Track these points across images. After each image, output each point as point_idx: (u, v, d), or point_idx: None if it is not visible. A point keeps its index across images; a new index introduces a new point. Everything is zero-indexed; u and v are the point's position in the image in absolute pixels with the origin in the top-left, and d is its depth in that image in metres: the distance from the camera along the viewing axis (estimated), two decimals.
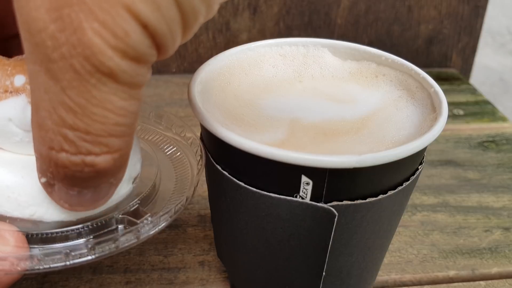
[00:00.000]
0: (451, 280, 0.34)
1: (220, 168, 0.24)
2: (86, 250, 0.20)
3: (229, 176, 0.23)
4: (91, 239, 0.22)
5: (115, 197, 0.23)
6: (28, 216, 0.21)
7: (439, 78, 0.60)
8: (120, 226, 0.23)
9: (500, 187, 0.43)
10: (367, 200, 0.22)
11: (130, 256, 0.34)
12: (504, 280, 0.34)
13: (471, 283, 0.33)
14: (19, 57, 0.22)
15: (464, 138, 0.50)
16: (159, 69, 0.62)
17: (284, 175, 0.22)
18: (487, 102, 0.57)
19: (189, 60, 0.62)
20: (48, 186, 0.20)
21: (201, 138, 0.26)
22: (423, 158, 0.25)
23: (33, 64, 0.17)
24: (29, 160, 0.21)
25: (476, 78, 0.71)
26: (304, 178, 0.21)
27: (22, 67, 0.21)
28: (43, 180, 0.20)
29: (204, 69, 0.27)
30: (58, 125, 0.17)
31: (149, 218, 0.22)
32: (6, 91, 0.21)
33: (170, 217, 0.22)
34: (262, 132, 0.24)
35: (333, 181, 0.21)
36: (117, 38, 0.15)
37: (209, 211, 0.29)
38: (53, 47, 0.16)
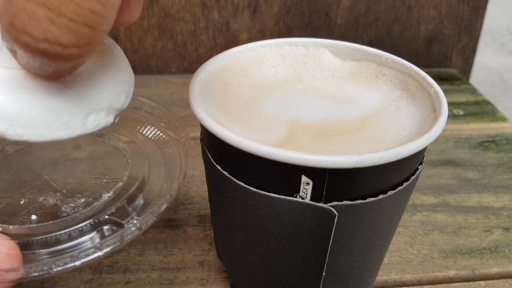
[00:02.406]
0: (451, 280, 0.34)
1: (220, 168, 0.24)
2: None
3: (229, 176, 0.23)
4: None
5: (90, 126, 0.21)
6: None
7: (439, 78, 0.60)
8: (106, 227, 0.23)
9: (500, 187, 0.43)
10: (367, 200, 0.22)
11: (130, 256, 0.34)
12: (504, 280, 0.34)
13: (471, 283, 0.33)
14: None
15: (464, 138, 0.50)
16: (159, 69, 0.62)
17: (284, 175, 0.21)
18: (487, 102, 0.57)
19: (189, 60, 0.62)
20: (11, 50, 0.18)
21: (201, 138, 0.26)
22: (423, 158, 0.25)
23: None
24: (4, 73, 0.20)
25: (476, 78, 0.71)
26: (304, 178, 0.21)
27: None
28: (5, 44, 0.18)
29: (204, 69, 0.27)
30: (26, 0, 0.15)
31: (135, 218, 0.22)
32: None
33: (155, 216, 0.22)
34: (262, 132, 0.24)
35: (333, 181, 0.21)
36: None
37: (209, 211, 0.29)
38: None
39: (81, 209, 0.23)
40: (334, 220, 0.22)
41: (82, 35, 0.16)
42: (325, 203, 0.22)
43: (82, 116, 0.21)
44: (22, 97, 0.19)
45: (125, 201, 0.23)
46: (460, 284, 0.33)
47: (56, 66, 0.18)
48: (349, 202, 0.22)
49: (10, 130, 0.20)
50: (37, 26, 0.15)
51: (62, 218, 0.22)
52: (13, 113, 0.19)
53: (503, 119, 0.54)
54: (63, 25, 0.15)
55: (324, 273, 0.24)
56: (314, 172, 0.21)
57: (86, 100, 0.21)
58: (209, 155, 0.25)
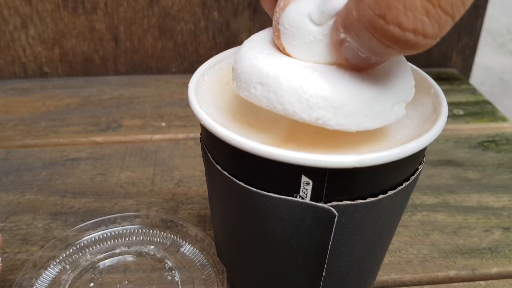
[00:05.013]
0: (451, 280, 0.34)
1: (220, 168, 0.24)
2: None
3: (229, 176, 0.23)
4: None
5: (393, 116, 0.22)
6: (315, 120, 0.20)
7: (439, 78, 0.60)
8: None
9: (500, 187, 0.43)
10: (367, 200, 0.22)
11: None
12: (504, 280, 0.34)
13: (471, 283, 0.33)
14: None
15: (464, 138, 0.50)
16: (159, 69, 0.62)
17: (284, 175, 0.21)
18: (487, 102, 0.57)
19: (189, 60, 0.62)
20: (337, 43, 0.20)
21: (201, 138, 0.26)
22: (423, 158, 0.25)
23: None
24: (318, 66, 0.21)
25: (476, 78, 0.71)
26: (304, 178, 0.21)
27: None
28: (335, 35, 0.19)
29: (204, 69, 0.27)
30: None
31: None
32: None
33: None
34: (262, 132, 0.24)
35: (333, 181, 0.21)
36: None
37: (209, 211, 0.29)
38: None
39: None
40: (334, 220, 0.22)
41: (444, 26, 0.16)
42: (325, 203, 0.22)
43: (390, 107, 0.21)
44: (345, 88, 0.20)
45: None
46: (460, 284, 0.33)
47: (384, 57, 0.19)
48: (349, 202, 0.22)
49: (333, 119, 0.20)
50: (411, 16, 0.16)
51: None
52: (339, 102, 0.20)
53: (503, 119, 0.54)
54: (435, 16, 0.16)
55: (324, 273, 0.24)
56: (314, 172, 0.21)
57: (393, 91, 0.21)
58: (209, 155, 0.25)
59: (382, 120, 0.21)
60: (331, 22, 0.20)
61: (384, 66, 0.22)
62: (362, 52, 0.19)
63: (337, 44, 0.20)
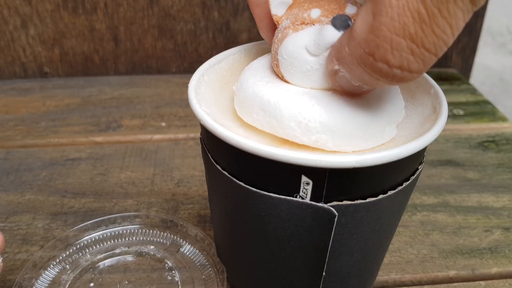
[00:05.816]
0: (451, 280, 0.34)
1: (220, 168, 0.24)
2: None
3: (229, 176, 0.23)
4: None
5: (386, 137, 0.23)
6: (313, 142, 0.22)
7: (439, 78, 0.60)
8: None
9: (500, 187, 0.43)
10: (367, 200, 0.22)
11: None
12: (504, 280, 0.34)
13: (471, 283, 0.33)
14: None
15: (464, 138, 0.50)
16: (159, 69, 0.62)
17: (284, 175, 0.21)
18: (487, 102, 0.57)
19: (189, 60, 0.62)
20: (332, 72, 0.21)
21: (201, 138, 0.26)
22: (423, 158, 0.25)
23: None
24: (315, 92, 0.22)
25: (476, 78, 0.71)
26: (304, 178, 0.21)
27: (318, 2, 0.22)
28: (330, 66, 0.21)
29: (204, 69, 0.27)
30: (394, 33, 0.17)
31: None
32: (303, 23, 0.22)
33: None
34: (262, 132, 0.24)
35: (333, 181, 0.21)
36: None
37: (209, 211, 0.29)
38: None
39: None
40: (334, 220, 0.22)
41: (428, 63, 0.18)
42: (325, 203, 0.22)
43: (382, 128, 0.23)
44: (340, 113, 0.21)
45: None
46: (460, 284, 0.33)
47: (375, 87, 0.21)
48: (349, 202, 0.22)
49: (331, 142, 0.21)
50: (397, 55, 0.17)
51: None
52: (336, 127, 0.21)
53: (503, 119, 0.54)
54: (419, 55, 0.17)
55: (324, 273, 0.24)
56: (314, 172, 0.21)
57: (385, 114, 0.23)
58: (209, 155, 0.25)
59: (376, 141, 0.22)
60: (326, 53, 0.21)
61: (376, 91, 0.23)
62: (355, 81, 0.20)
63: (332, 74, 0.21)
